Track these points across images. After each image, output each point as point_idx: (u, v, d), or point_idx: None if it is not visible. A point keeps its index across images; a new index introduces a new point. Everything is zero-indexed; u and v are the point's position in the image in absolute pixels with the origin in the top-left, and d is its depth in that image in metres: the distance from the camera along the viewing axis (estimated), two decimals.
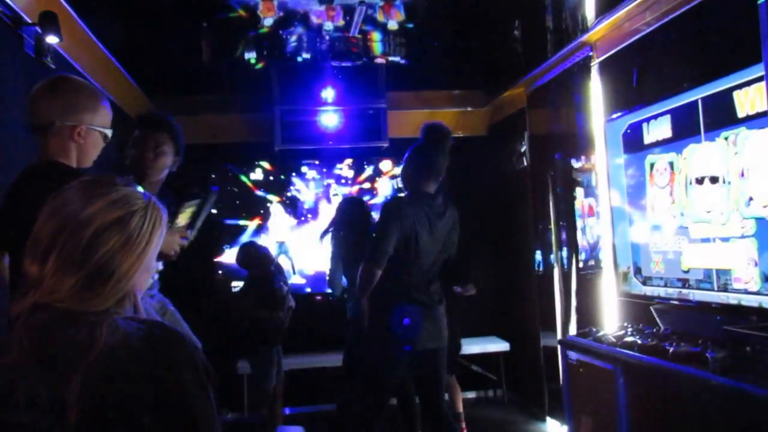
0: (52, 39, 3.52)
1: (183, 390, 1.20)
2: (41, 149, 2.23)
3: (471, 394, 6.64)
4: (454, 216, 3.85)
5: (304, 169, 6.57)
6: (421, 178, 3.77)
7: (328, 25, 5.56)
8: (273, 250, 6.15)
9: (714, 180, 3.32)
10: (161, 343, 1.23)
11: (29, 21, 3.48)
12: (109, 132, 2.32)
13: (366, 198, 6.46)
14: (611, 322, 4.30)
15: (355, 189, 6.64)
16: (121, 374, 1.15)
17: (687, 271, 3.56)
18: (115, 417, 1.13)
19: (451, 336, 5.16)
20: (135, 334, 1.20)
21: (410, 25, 6.15)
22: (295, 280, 6.38)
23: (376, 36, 6.10)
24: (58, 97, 2.21)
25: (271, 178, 6.52)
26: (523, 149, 6.07)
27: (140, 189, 1.35)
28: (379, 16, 6.11)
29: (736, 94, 3.13)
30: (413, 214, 3.65)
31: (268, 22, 5.67)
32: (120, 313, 1.26)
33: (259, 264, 5.11)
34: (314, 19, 5.55)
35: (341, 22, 5.60)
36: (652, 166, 3.82)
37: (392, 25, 6.17)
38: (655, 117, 3.76)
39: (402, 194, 4.16)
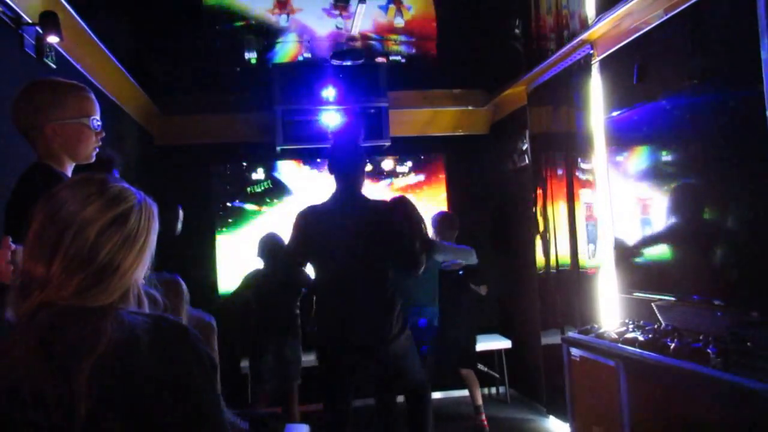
0: (52, 39, 3.51)
1: (189, 380, 1.22)
2: (34, 152, 2.24)
3: None
4: (379, 213, 3.77)
5: (305, 168, 6.57)
6: (336, 179, 3.78)
7: (329, 23, 5.57)
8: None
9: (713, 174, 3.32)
10: (167, 335, 1.25)
11: (29, 21, 3.47)
12: (88, 120, 2.24)
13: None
14: (613, 318, 4.31)
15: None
16: (128, 366, 1.17)
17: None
18: (124, 409, 1.15)
19: (459, 330, 5.25)
20: (141, 327, 1.22)
21: (411, 24, 6.17)
22: None
23: (376, 34, 6.11)
24: (21, 104, 2.21)
25: (272, 177, 6.52)
26: (524, 147, 6.07)
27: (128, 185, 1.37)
28: (380, 15, 6.13)
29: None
30: (320, 218, 3.71)
31: (270, 21, 5.68)
32: (124, 307, 1.28)
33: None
34: (316, 19, 5.57)
35: (341, 21, 5.61)
36: (651, 162, 3.82)
37: (392, 23, 6.18)
38: (656, 114, 3.76)
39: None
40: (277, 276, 5.04)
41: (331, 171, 3.78)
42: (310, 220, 3.75)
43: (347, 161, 3.76)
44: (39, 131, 2.18)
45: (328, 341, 3.71)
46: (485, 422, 5.44)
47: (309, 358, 5.84)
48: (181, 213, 4.11)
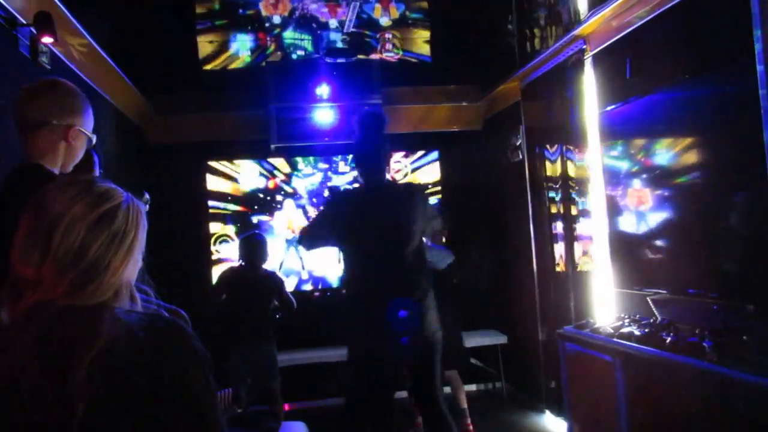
0: (47, 39, 3.49)
1: (186, 377, 1.24)
2: (28, 149, 2.21)
3: (470, 388, 6.66)
4: (411, 195, 3.72)
5: (300, 165, 6.57)
6: (364, 165, 3.72)
7: (328, 21, 5.57)
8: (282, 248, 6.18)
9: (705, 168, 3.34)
10: (163, 332, 1.26)
11: (24, 22, 3.46)
12: (94, 137, 2.32)
13: None
14: (608, 313, 4.32)
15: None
16: (126, 363, 1.18)
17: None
18: (122, 405, 1.16)
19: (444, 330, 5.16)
20: (137, 324, 1.23)
21: (405, 21, 6.16)
22: (304, 276, 6.44)
23: (370, 32, 6.11)
24: (54, 96, 2.21)
25: (267, 175, 6.52)
26: (518, 143, 6.08)
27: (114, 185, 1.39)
28: (375, 13, 6.12)
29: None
30: (355, 200, 3.68)
31: (266, 19, 5.68)
32: (118, 306, 1.29)
33: (260, 257, 5.01)
34: (310, 16, 5.56)
35: (340, 18, 5.61)
36: (646, 157, 3.83)
37: (386, 21, 6.18)
38: (650, 108, 3.77)
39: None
40: (256, 272, 4.98)
41: (358, 160, 3.76)
42: (339, 201, 3.73)
43: (374, 150, 3.71)
44: (59, 130, 2.19)
45: (363, 329, 3.57)
46: (471, 427, 5.19)
47: (299, 356, 5.85)
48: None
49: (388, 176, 3.79)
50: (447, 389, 5.46)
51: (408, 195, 3.70)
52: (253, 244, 5.00)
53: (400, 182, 3.90)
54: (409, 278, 3.59)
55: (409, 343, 3.50)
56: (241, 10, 6.25)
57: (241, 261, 5.04)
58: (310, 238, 3.74)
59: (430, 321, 3.60)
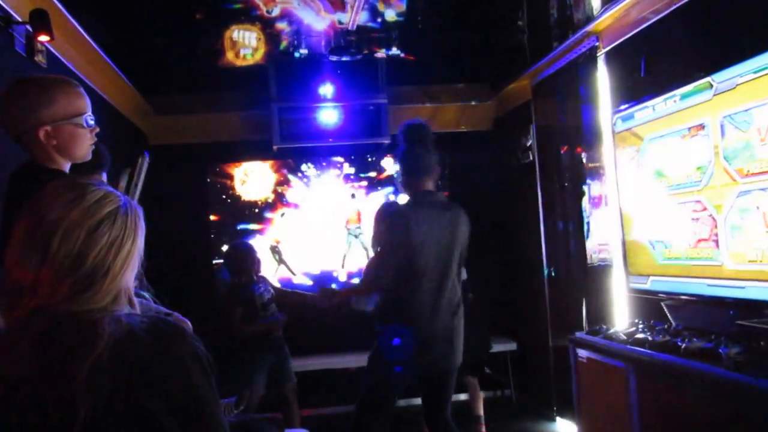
0: (43, 37, 3.45)
1: (188, 379, 1.25)
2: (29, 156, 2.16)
3: None
4: (460, 214, 3.66)
5: (303, 167, 6.49)
6: (416, 179, 3.62)
7: (328, 17, 5.51)
8: (267, 255, 6.06)
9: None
10: (165, 335, 1.27)
11: (19, 19, 3.43)
12: (81, 119, 2.13)
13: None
14: (621, 319, 4.26)
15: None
16: (128, 366, 1.18)
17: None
18: (124, 408, 1.16)
19: (476, 338, 5.09)
20: (139, 327, 1.24)
21: (411, 17, 6.08)
22: (300, 280, 6.35)
23: (375, 28, 6.04)
24: (7, 106, 2.10)
25: (269, 176, 6.44)
26: (529, 143, 5.99)
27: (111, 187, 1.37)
28: (380, 7, 6.04)
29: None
30: (410, 216, 3.51)
31: (266, 15, 5.63)
32: (118, 310, 1.29)
33: (240, 266, 4.87)
34: (312, 13, 5.50)
35: (344, 16, 5.56)
36: (660, 157, 3.73)
37: (392, 16, 6.10)
38: (665, 107, 3.67)
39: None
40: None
41: (410, 171, 3.63)
42: (395, 219, 3.54)
43: (426, 160, 3.62)
44: (31, 135, 2.08)
45: (393, 356, 3.47)
46: None
47: (302, 362, 5.78)
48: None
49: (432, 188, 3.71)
50: (464, 396, 5.43)
51: (460, 214, 3.65)
52: (243, 253, 4.89)
53: (447, 199, 3.80)
54: (456, 298, 3.59)
55: (405, 371, 3.47)
56: (241, 6, 6.18)
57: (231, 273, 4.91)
58: (387, 269, 3.52)
59: (459, 345, 3.60)
